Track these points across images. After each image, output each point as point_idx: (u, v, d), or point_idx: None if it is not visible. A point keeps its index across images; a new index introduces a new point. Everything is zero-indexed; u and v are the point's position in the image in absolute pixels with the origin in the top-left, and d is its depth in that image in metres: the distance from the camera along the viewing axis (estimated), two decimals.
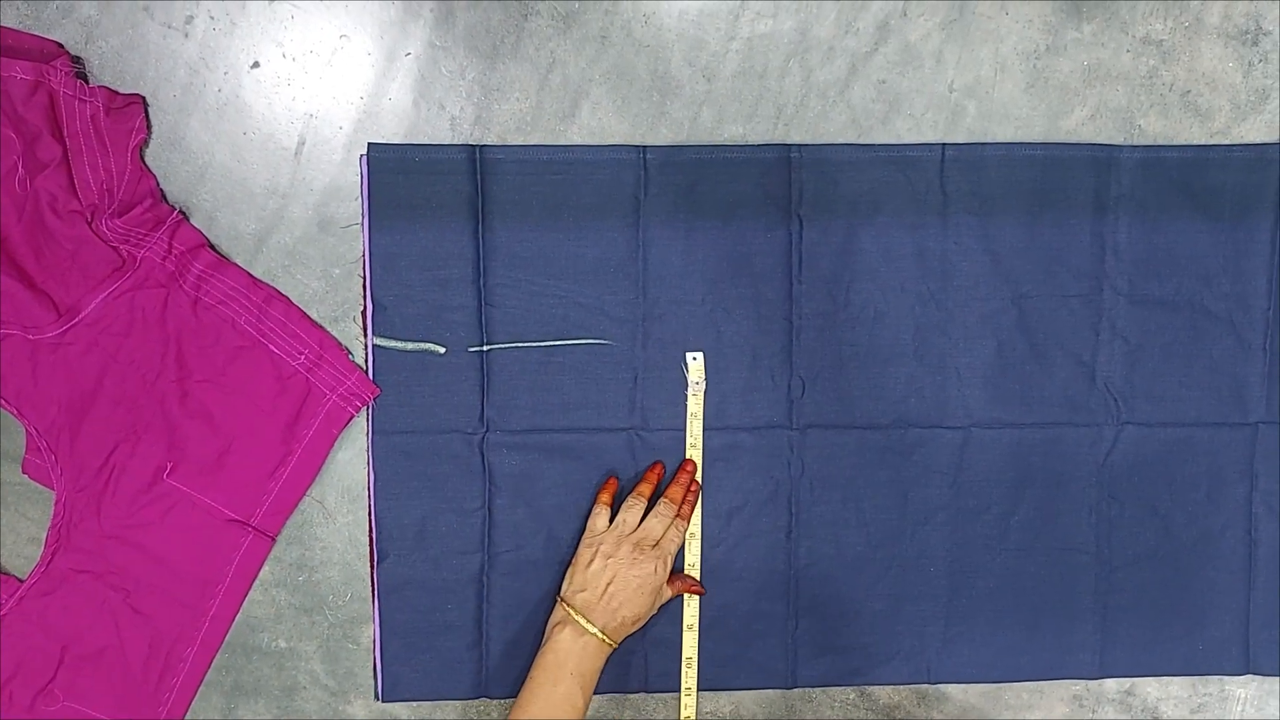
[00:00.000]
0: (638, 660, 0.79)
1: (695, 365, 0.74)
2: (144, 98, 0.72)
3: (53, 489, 0.75)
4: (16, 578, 0.76)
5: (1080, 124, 0.77)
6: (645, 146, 0.75)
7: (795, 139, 0.76)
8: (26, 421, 0.74)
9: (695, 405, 0.75)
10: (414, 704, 0.79)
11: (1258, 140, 0.77)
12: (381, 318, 0.75)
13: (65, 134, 0.71)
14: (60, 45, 0.71)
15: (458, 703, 0.79)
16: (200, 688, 0.77)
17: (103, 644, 0.76)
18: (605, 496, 0.75)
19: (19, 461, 0.75)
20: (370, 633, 0.78)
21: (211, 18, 0.72)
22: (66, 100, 0.70)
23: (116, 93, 0.71)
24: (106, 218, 0.71)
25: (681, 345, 0.77)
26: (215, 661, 0.77)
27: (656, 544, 0.73)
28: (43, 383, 0.74)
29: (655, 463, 0.76)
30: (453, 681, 0.78)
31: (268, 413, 0.75)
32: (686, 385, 0.75)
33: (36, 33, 0.71)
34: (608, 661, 0.72)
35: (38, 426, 0.74)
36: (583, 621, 0.71)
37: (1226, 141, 0.77)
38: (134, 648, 0.76)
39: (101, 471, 0.75)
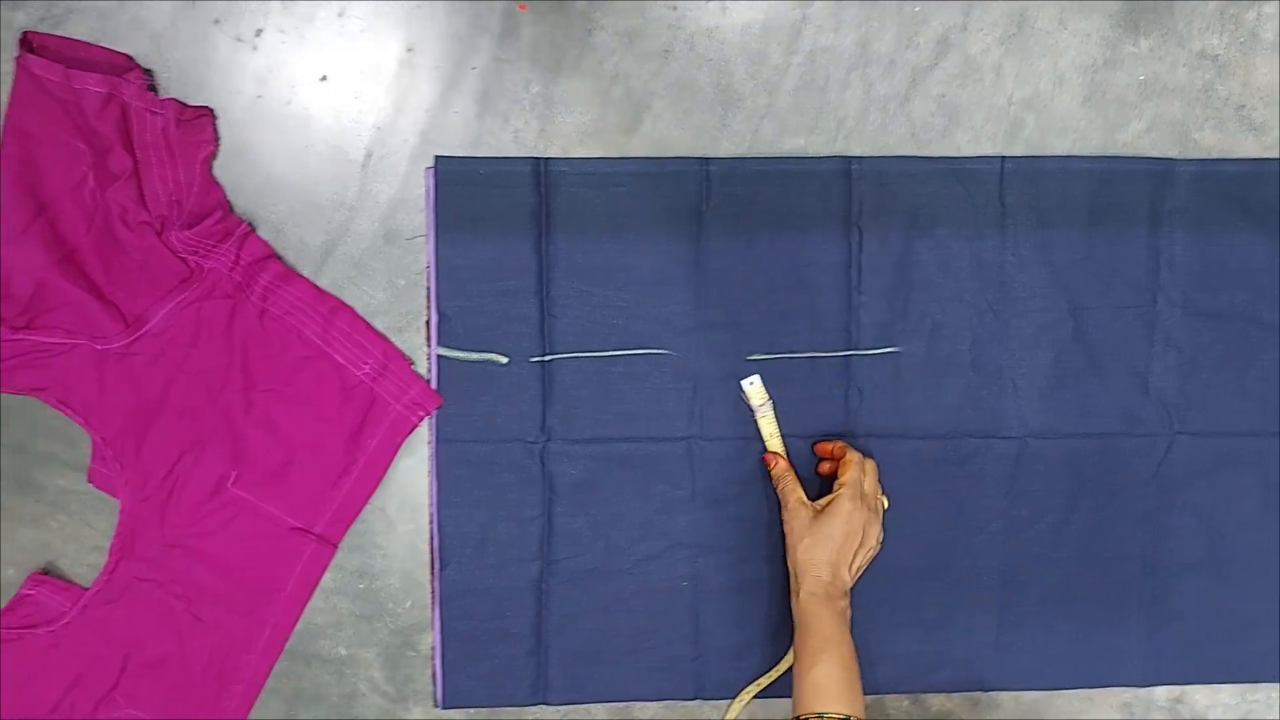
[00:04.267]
0: (694, 667, 0.83)
1: (754, 389, 0.78)
2: (213, 110, 0.76)
3: (118, 498, 0.79)
4: (80, 586, 0.80)
5: (1136, 137, 0.82)
6: (708, 158, 0.79)
7: (855, 151, 0.80)
8: (93, 431, 0.78)
9: (769, 425, 0.79)
10: (472, 711, 0.83)
11: None
12: (445, 328, 0.79)
13: (136, 146, 0.75)
14: (130, 58, 0.75)
15: (516, 710, 0.83)
16: (261, 695, 0.81)
17: (165, 652, 0.80)
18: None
19: (85, 470, 0.79)
20: (430, 640, 0.82)
21: (281, 31, 0.76)
22: (138, 113, 0.74)
23: (186, 105, 0.76)
24: (176, 229, 0.76)
25: (740, 355, 0.81)
26: (276, 668, 0.81)
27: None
28: (109, 392, 0.78)
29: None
30: (511, 688, 0.83)
31: (332, 422, 0.80)
32: (752, 410, 0.79)
33: (107, 45, 0.75)
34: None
35: (104, 435, 0.78)
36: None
37: None
38: (195, 655, 0.81)
39: (166, 480, 0.79)
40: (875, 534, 0.77)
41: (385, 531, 0.81)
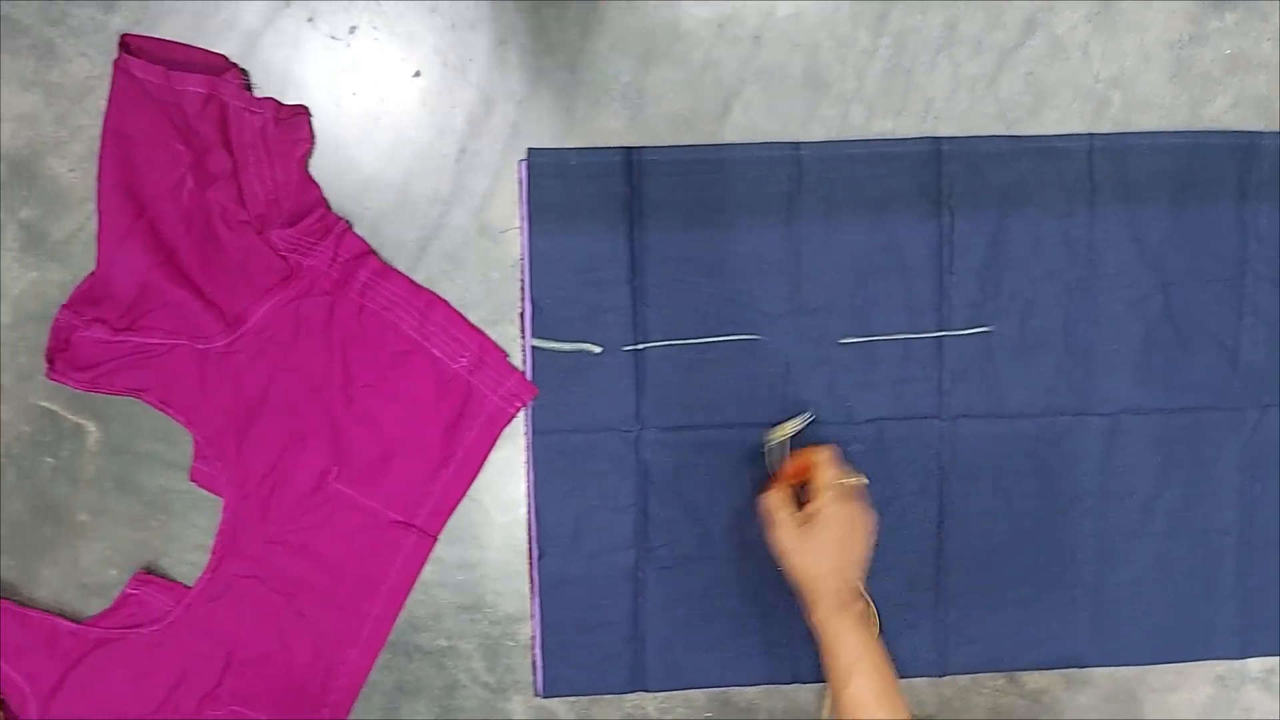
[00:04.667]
0: (791, 652, 0.84)
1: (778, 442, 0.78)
2: (308, 108, 0.77)
3: (220, 496, 0.80)
4: (183, 585, 0.81)
5: (1222, 112, 0.82)
6: (798, 143, 0.80)
7: (944, 132, 0.81)
8: (194, 430, 0.79)
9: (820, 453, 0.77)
10: (572, 700, 0.84)
11: None
12: (539, 319, 0.80)
13: (234, 146, 0.76)
14: (226, 58, 0.76)
15: (615, 697, 0.84)
16: (363, 688, 0.82)
17: (268, 648, 0.81)
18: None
19: (187, 470, 0.80)
20: (529, 630, 0.83)
21: (373, 28, 0.77)
22: (237, 112, 0.75)
23: (283, 104, 0.76)
24: (277, 227, 0.76)
25: (832, 339, 0.82)
26: (377, 662, 0.82)
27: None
28: (210, 391, 0.79)
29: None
30: (610, 676, 0.84)
31: (429, 415, 0.81)
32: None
33: (202, 46, 0.76)
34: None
35: (205, 435, 0.79)
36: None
37: None
38: (298, 651, 0.82)
39: (268, 478, 0.80)
40: (867, 522, 0.75)
41: (483, 523, 0.82)
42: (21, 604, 0.78)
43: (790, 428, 0.78)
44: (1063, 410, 0.83)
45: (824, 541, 0.73)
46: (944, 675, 0.85)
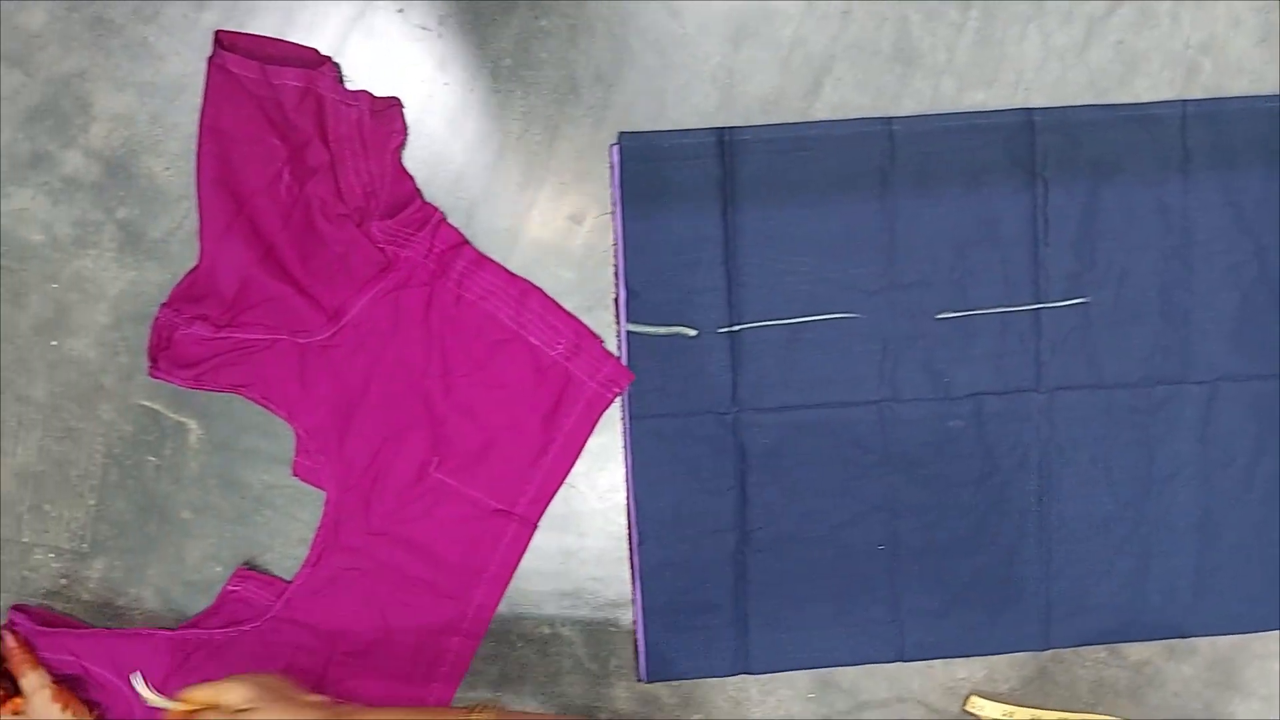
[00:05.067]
0: (893, 630, 0.84)
1: None
2: (401, 100, 0.77)
3: (322, 489, 0.81)
4: (285, 580, 0.81)
5: None
6: (890, 118, 0.80)
7: (1036, 103, 0.81)
8: (296, 424, 0.80)
9: None
10: (675, 684, 0.84)
11: None
12: (634, 304, 0.80)
13: (331, 139, 0.76)
14: (318, 51, 0.76)
15: (718, 681, 0.84)
16: (466, 676, 0.83)
17: (371, 640, 0.82)
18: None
19: (289, 464, 0.80)
20: (631, 615, 0.84)
21: (465, 17, 0.77)
22: (333, 105, 0.76)
23: (376, 96, 0.77)
24: (376, 219, 0.77)
25: (929, 314, 0.82)
26: (480, 650, 0.82)
27: None
28: (311, 385, 0.79)
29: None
30: (713, 659, 0.84)
31: (528, 403, 0.81)
32: None
33: (293, 40, 0.77)
34: None
35: (307, 428, 0.80)
36: None
37: None
38: (401, 641, 0.82)
39: (369, 470, 0.80)
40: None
41: (582, 509, 0.83)
42: (118, 626, 0.79)
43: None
44: (1160, 379, 0.83)
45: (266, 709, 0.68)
46: (1047, 649, 0.85)
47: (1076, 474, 0.83)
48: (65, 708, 0.73)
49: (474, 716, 0.66)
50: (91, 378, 0.78)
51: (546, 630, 0.83)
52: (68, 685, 0.76)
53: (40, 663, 0.74)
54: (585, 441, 0.81)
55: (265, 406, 0.79)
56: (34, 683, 0.73)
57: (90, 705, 0.76)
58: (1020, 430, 0.83)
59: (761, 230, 0.80)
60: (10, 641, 0.74)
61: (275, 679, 0.71)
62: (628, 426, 0.82)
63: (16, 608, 0.77)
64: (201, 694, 0.69)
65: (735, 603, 0.83)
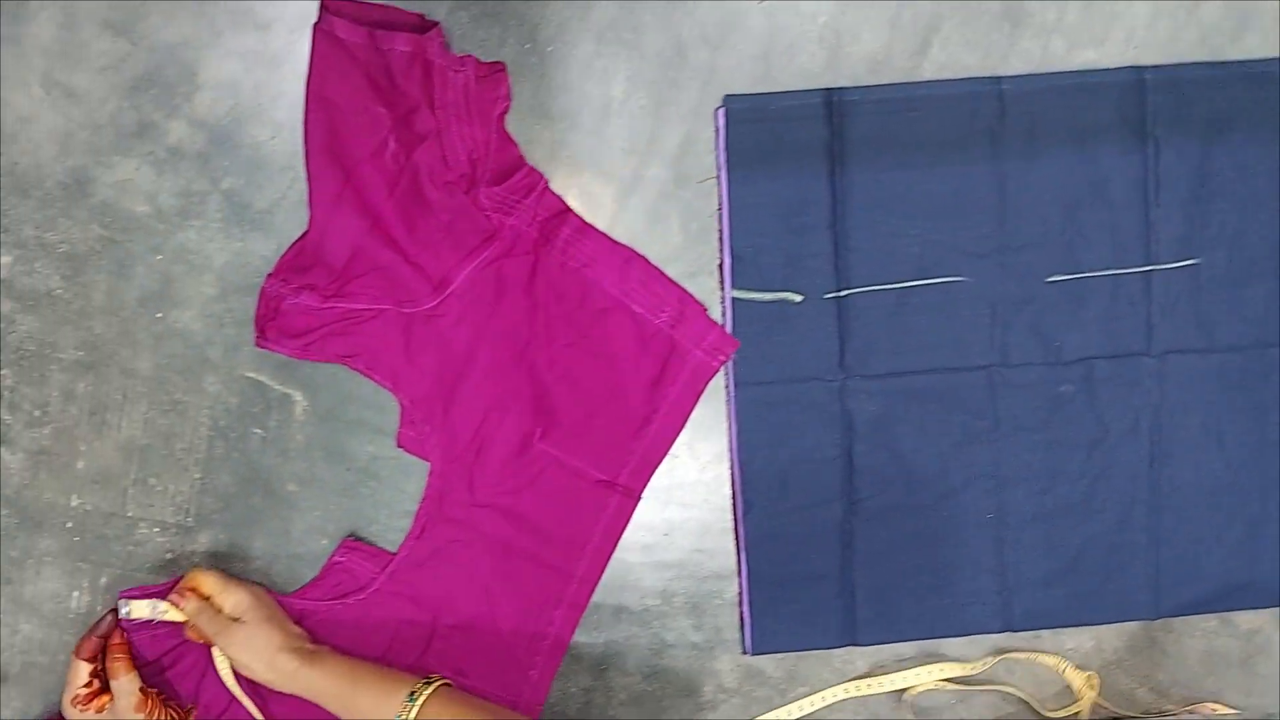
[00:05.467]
0: (1002, 600, 0.83)
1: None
2: (506, 65, 0.77)
3: (427, 460, 0.80)
4: (389, 551, 0.81)
5: None
6: (999, 77, 0.79)
7: (1146, 61, 0.79)
8: (401, 395, 0.79)
9: None
10: (780, 657, 0.83)
11: None
12: (739, 270, 0.80)
13: (437, 105, 0.76)
14: (423, 16, 0.76)
15: (825, 653, 0.83)
16: (569, 650, 0.82)
17: (474, 612, 0.81)
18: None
19: (394, 436, 0.80)
20: (735, 587, 0.83)
21: None
22: (441, 71, 0.75)
23: (481, 61, 0.76)
24: (484, 186, 0.76)
25: (1039, 277, 0.81)
26: (583, 622, 0.82)
27: None
28: (416, 355, 0.79)
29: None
30: (820, 631, 0.83)
31: (632, 372, 0.80)
32: None
33: (395, 5, 0.76)
34: None
35: (412, 399, 0.79)
36: None
37: None
38: (504, 613, 0.82)
39: (473, 441, 0.80)
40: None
41: (686, 480, 0.82)
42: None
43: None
44: (1273, 342, 0.82)
45: (259, 629, 0.73)
46: (1157, 618, 0.84)
47: (1187, 439, 0.82)
48: (152, 714, 0.72)
49: (421, 688, 0.69)
50: (197, 350, 0.78)
51: (650, 603, 0.83)
52: (159, 691, 0.75)
53: (135, 665, 0.73)
54: (690, 411, 0.81)
55: (370, 377, 0.79)
56: (123, 686, 0.72)
57: (181, 712, 0.75)
58: (1131, 395, 0.82)
59: (869, 193, 0.79)
60: (115, 637, 0.74)
61: (271, 600, 0.75)
62: (732, 394, 0.81)
63: (126, 595, 0.76)
64: (208, 581, 0.73)
65: (842, 573, 0.82)
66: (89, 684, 0.72)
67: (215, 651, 0.75)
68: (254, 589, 0.74)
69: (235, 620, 0.73)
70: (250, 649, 0.72)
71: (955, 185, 0.80)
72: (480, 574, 0.81)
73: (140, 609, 0.74)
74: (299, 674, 0.71)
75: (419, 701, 0.68)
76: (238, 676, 0.75)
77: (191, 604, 0.73)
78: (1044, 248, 0.80)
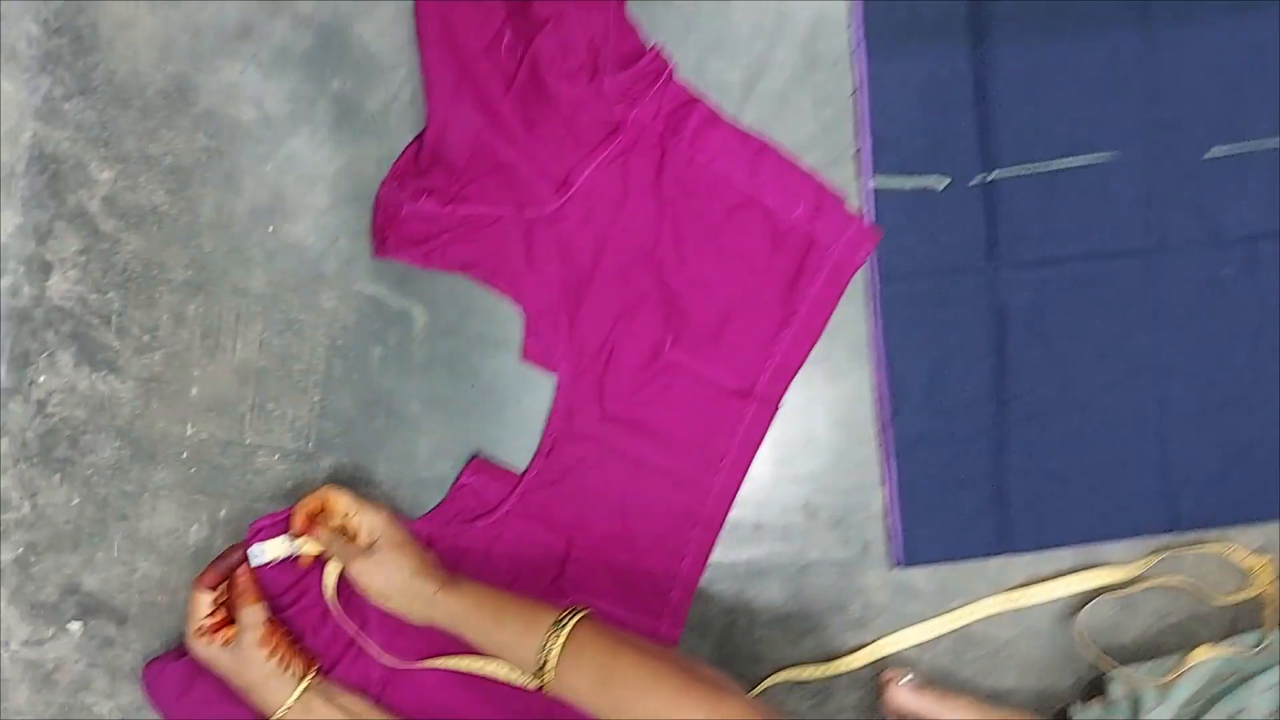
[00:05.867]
0: (1166, 500, 0.78)
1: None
2: None
3: (554, 373, 0.76)
4: (516, 472, 0.77)
5: None
6: None
7: None
8: (524, 305, 0.75)
9: None
10: (931, 569, 0.79)
11: None
12: (880, 155, 0.75)
13: None
14: None
15: (979, 563, 0.79)
16: (706, 570, 0.78)
17: (609, 532, 0.77)
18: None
19: (518, 350, 0.76)
20: (882, 497, 0.79)
21: None
22: None
23: None
24: (608, 75, 0.72)
25: (1198, 152, 0.76)
26: (721, 540, 0.78)
27: None
28: (539, 262, 0.75)
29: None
30: (973, 539, 0.79)
31: (766, 272, 0.76)
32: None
33: None
34: None
35: (536, 309, 0.75)
36: None
37: None
38: (640, 534, 0.77)
39: (601, 351, 0.76)
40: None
41: (828, 385, 0.78)
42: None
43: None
44: None
45: (394, 554, 0.68)
46: None
47: None
48: (272, 653, 0.68)
49: (567, 616, 0.64)
50: (311, 265, 0.74)
51: (791, 518, 0.78)
52: (285, 629, 0.71)
53: (262, 597, 0.70)
54: (831, 311, 0.76)
55: (492, 287, 0.75)
56: (249, 619, 0.68)
57: (309, 656, 0.71)
58: None
59: (1014, 68, 0.74)
60: (243, 569, 0.70)
61: (405, 527, 0.70)
62: (876, 291, 0.76)
63: (256, 528, 0.72)
64: (341, 501, 0.68)
65: (995, 477, 0.78)
66: (212, 614, 0.69)
67: (329, 568, 0.71)
68: (388, 512, 0.70)
69: (369, 545, 0.69)
70: (385, 574, 0.68)
71: (1104, 57, 0.75)
72: (613, 493, 0.77)
73: (275, 548, 0.70)
74: (437, 600, 0.67)
75: (566, 629, 0.64)
76: (345, 599, 0.71)
77: (325, 531, 0.69)
78: (1202, 121, 0.75)
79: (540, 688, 0.64)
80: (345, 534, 0.70)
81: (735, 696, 0.59)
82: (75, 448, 0.74)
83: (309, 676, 0.69)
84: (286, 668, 0.68)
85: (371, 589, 0.68)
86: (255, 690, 0.68)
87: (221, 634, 0.68)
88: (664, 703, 0.59)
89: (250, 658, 0.67)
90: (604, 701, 0.62)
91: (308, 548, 0.70)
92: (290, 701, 0.68)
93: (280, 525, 0.70)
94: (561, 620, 0.64)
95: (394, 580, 0.68)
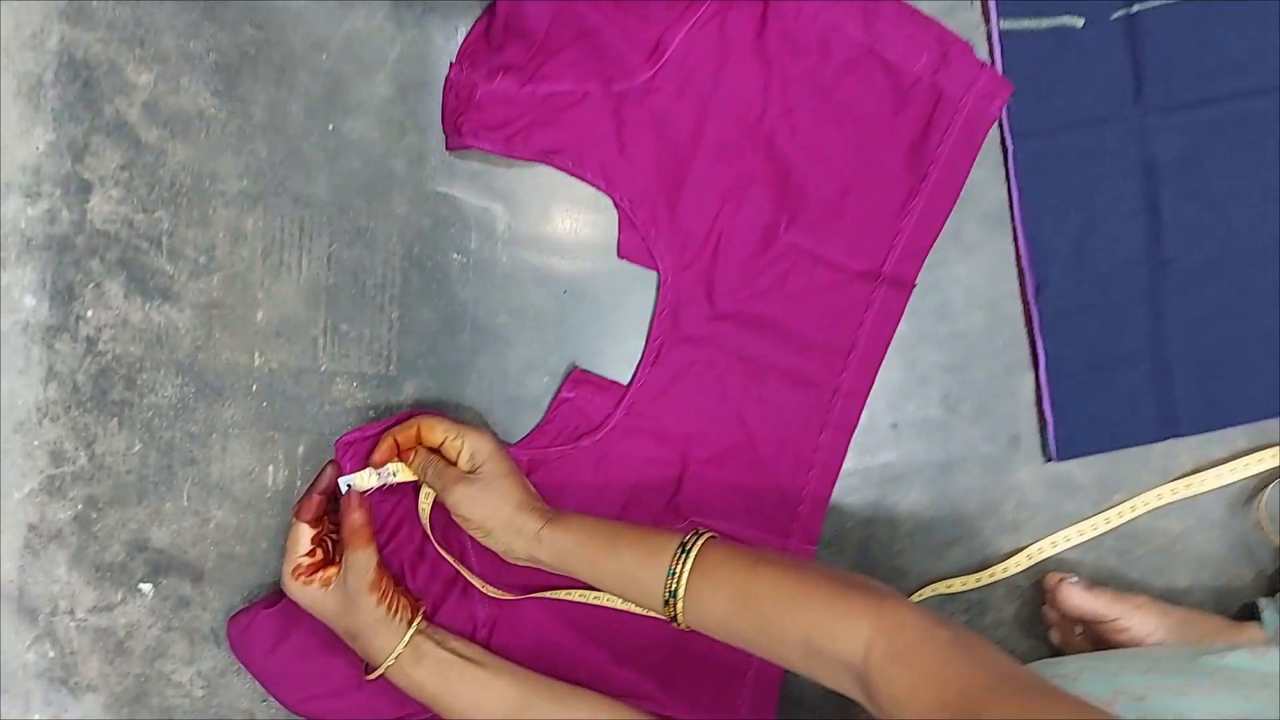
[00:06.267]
0: None
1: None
2: None
3: (655, 270, 0.68)
4: (620, 382, 0.69)
5: None
6: None
7: None
8: (617, 194, 0.67)
9: None
10: (1090, 460, 0.71)
11: None
12: None
13: None
14: None
15: (1142, 451, 0.71)
16: (840, 477, 0.70)
17: (729, 443, 0.70)
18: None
19: (613, 246, 0.68)
20: (1029, 383, 0.70)
21: None
22: None
23: None
24: None
25: None
26: (854, 444, 0.70)
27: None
28: (631, 144, 0.67)
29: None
30: (1134, 424, 0.70)
31: (889, 135, 0.68)
32: None
33: None
34: None
35: (631, 197, 0.67)
36: None
37: None
38: (763, 441, 0.70)
39: (707, 240, 0.68)
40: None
41: (962, 258, 0.70)
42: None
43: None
44: None
45: (499, 483, 0.61)
46: None
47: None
48: (381, 599, 0.61)
49: (691, 539, 0.57)
50: (378, 164, 0.66)
51: (930, 413, 0.70)
52: (393, 576, 0.64)
53: (375, 540, 0.62)
54: (965, 174, 0.68)
55: (579, 176, 0.67)
56: (360, 563, 0.60)
57: (414, 599, 0.64)
58: None
59: None
60: (355, 503, 0.62)
61: (510, 455, 0.63)
62: (1011, 150, 0.68)
63: (343, 444, 0.64)
64: (437, 428, 0.61)
65: (1155, 352, 0.70)
66: (311, 552, 0.61)
67: (422, 497, 0.64)
68: (491, 436, 0.62)
69: (469, 473, 0.61)
70: (487, 506, 0.60)
71: None
72: (731, 398, 0.69)
73: (363, 480, 0.62)
74: (542, 536, 0.60)
75: (693, 552, 0.56)
76: (440, 533, 0.64)
77: (420, 456, 0.62)
78: None
79: (672, 619, 0.56)
80: (443, 458, 0.62)
81: (899, 601, 0.51)
82: (132, 388, 0.66)
83: (416, 620, 0.62)
84: (394, 613, 0.60)
85: (472, 520, 0.61)
86: (360, 636, 0.60)
87: (321, 575, 0.61)
88: (817, 615, 0.51)
89: (358, 603, 0.60)
90: (745, 624, 0.54)
91: (401, 475, 0.63)
92: (400, 648, 0.60)
93: (371, 440, 0.63)
94: (685, 544, 0.56)
95: (499, 512, 0.60)
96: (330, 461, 0.62)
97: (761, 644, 0.54)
